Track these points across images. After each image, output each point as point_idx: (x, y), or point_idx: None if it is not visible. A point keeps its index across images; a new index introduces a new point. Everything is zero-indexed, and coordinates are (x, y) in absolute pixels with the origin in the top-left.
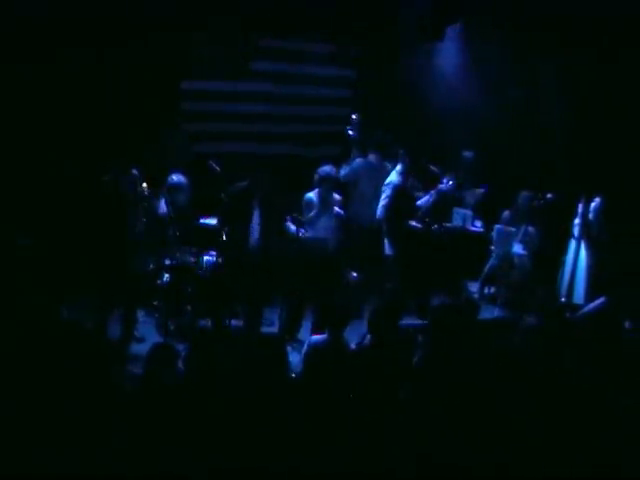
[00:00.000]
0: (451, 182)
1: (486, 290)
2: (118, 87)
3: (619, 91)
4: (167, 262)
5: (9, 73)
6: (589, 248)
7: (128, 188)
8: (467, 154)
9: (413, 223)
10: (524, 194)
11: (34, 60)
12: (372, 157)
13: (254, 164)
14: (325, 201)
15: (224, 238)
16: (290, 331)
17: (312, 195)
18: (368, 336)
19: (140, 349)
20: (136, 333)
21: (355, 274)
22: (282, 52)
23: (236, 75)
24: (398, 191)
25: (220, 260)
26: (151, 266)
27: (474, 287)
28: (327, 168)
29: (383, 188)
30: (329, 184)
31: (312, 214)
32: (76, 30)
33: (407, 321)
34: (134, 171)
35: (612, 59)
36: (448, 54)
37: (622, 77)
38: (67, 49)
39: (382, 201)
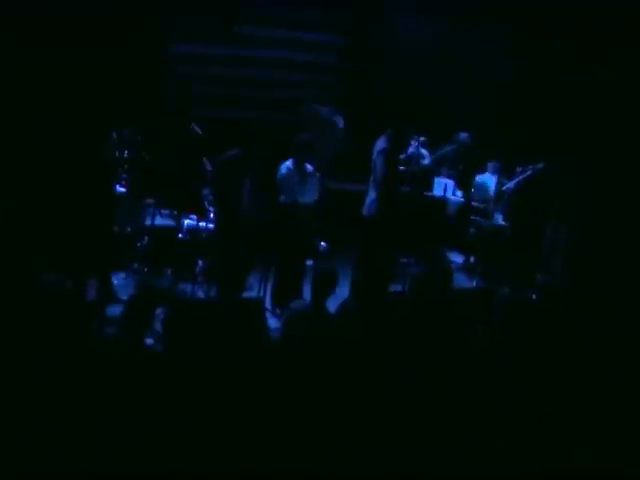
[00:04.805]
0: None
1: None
2: (107, 52)
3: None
4: (147, 225)
5: None
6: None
7: (108, 151)
8: (463, 135)
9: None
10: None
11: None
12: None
13: (241, 130)
14: (302, 169)
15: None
16: (279, 299)
17: (287, 165)
18: (351, 302)
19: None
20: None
21: (324, 244)
22: (268, 17)
23: (222, 39)
24: (388, 156)
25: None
26: (129, 229)
27: (458, 258)
28: (304, 136)
29: (378, 155)
30: (306, 153)
31: (290, 180)
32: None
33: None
34: (114, 134)
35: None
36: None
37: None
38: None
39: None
